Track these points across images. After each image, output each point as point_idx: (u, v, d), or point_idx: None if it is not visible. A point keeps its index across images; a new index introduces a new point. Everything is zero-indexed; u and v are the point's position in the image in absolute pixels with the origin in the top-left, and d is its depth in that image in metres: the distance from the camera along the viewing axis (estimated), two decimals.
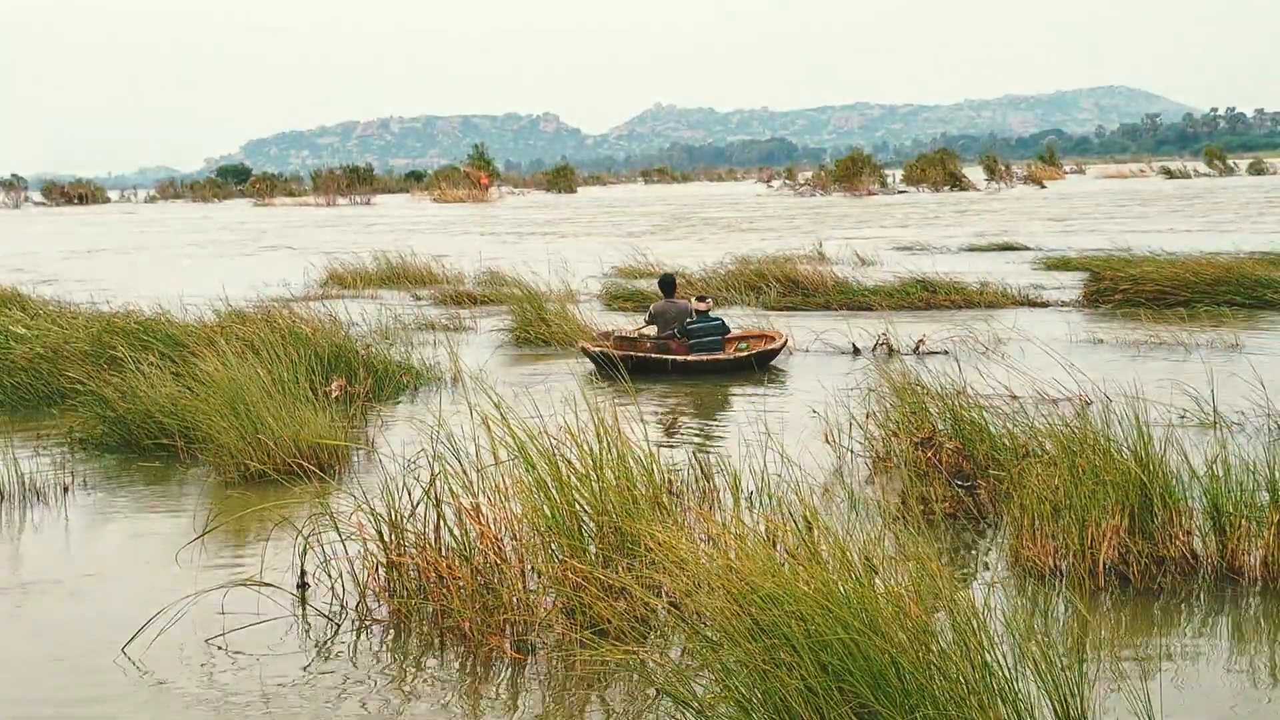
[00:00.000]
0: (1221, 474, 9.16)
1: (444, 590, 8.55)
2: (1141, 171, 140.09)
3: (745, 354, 18.78)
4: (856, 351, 19.69)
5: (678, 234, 54.53)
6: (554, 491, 8.67)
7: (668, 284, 19.94)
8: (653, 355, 18.60)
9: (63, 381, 15.93)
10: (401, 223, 72.84)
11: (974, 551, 9.87)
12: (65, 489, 12.35)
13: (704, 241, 47.93)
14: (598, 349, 18.78)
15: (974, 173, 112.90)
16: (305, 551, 9.17)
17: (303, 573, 9.15)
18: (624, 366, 16.31)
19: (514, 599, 8.35)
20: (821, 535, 7.27)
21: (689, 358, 18.64)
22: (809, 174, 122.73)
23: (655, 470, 9.38)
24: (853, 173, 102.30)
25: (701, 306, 19.46)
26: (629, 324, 21.73)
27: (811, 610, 6.19)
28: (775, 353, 19.19)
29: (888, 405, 12.25)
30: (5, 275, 33.87)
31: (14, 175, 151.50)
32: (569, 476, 8.79)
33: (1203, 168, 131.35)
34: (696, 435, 14.41)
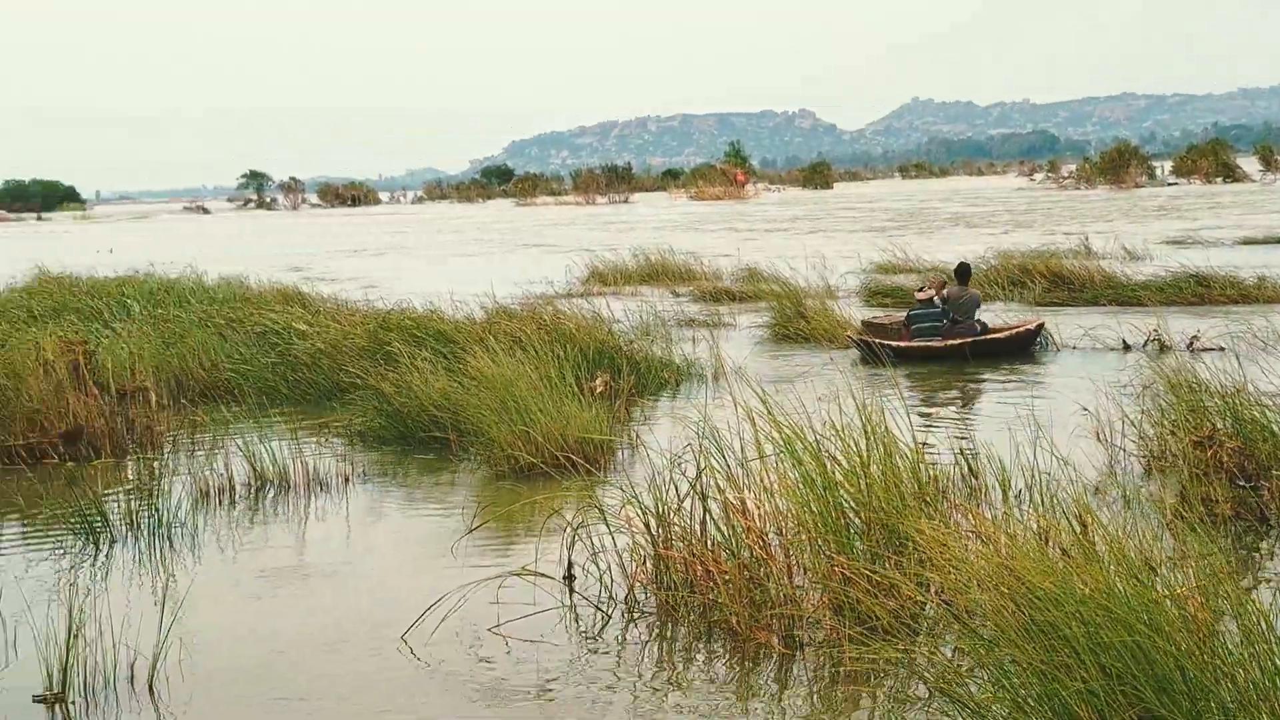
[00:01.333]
0: None
1: (711, 584, 8.59)
2: None
3: (958, 343, 19.26)
4: (1127, 348, 19.15)
5: (936, 229, 53.78)
6: (820, 488, 8.63)
7: (964, 271, 20.55)
8: (884, 342, 18.89)
9: (342, 376, 16.50)
10: (659, 220, 73.45)
11: (1259, 554, 9.50)
12: (346, 479, 12.81)
13: (964, 237, 47.17)
14: (858, 337, 19.92)
15: (1248, 164, 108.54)
16: (573, 543, 9.32)
17: (570, 564, 9.31)
18: (879, 351, 17.59)
19: (780, 594, 8.34)
20: (1097, 534, 7.08)
21: (911, 344, 19.51)
22: (1072, 167, 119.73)
23: (921, 467, 9.26)
24: (1119, 165, 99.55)
25: (922, 296, 20.09)
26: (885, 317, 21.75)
27: (1091, 611, 6.02)
28: (1031, 338, 19.63)
29: (1162, 402, 11.86)
30: (286, 274, 35.27)
31: (292, 178, 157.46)
32: (834, 473, 8.74)
33: None
34: (962, 431, 14.19)
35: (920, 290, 20.53)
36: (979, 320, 20.08)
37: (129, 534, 11.15)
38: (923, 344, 19.55)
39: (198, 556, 10.64)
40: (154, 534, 11.12)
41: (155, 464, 13.65)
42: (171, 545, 10.92)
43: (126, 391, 15.26)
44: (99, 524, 11.11)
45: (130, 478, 13.16)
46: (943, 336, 19.61)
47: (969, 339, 19.45)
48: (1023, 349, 19.55)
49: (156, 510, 11.35)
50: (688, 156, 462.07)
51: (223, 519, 11.75)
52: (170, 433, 15.04)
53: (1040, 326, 20.03)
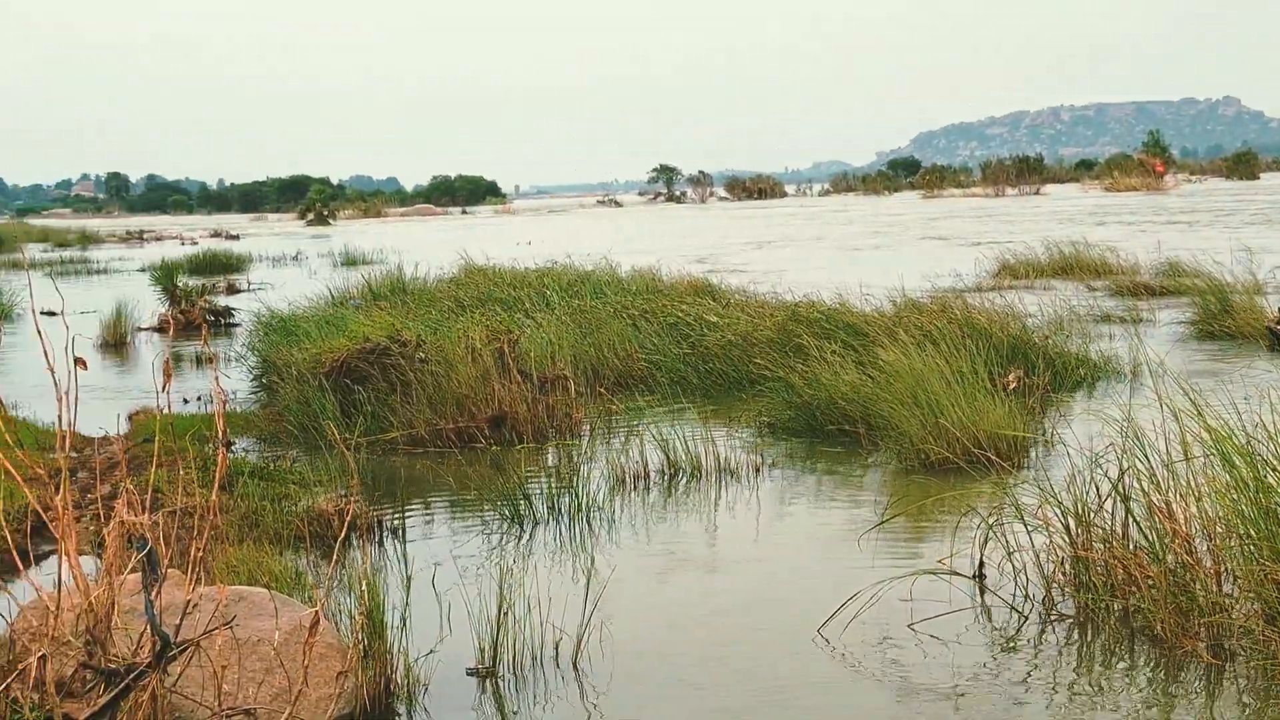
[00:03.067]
0: None
1: (1133, 588, 8.30)
2: None
3: None
4: None
5: None
6: (1253, 491, 8.21)
7: None
8: None
9: (751, 368, 16.70)
10: (1072, 211, 71.35)
11: None
12: (756, 470, 12.95)
13: None
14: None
15: None
16: (986, 541, 9.16)
17: (981, 563, 9.15)
18: None
19: (1209, 602, 7.98)
20: None
21: None
22: None
23: None
24: None
25: None
26: None
27: None
28: None
29: None
30: (695, 266, 35.93)
31: (700, 172, 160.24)
32: (1269, 476, 8.30)
33: None
34: None
35: None
36: None
37: (550, 517, 11.57)
38: None
39: (615, 540, 10.95)
40: (573, 518, 11.52)
41: (574, 450, 14.11)
42: (590, 529, 11.29)
43: (547, 380, 15.86)
44: (523, 506, 11.58)
45: (550, 463, 13.65)
46: None
47: None
48: None
49: (576, 495, 11.76)
50: (1102, 147, 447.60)
51: (638, 505, 12.06)
52: (587, 420, 15.54)
53: None
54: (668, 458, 13.02)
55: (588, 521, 11.43)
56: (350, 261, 50.03)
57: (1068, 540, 8.72)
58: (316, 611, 6.56)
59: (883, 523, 10.35)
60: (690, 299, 21.42)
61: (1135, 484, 8.72)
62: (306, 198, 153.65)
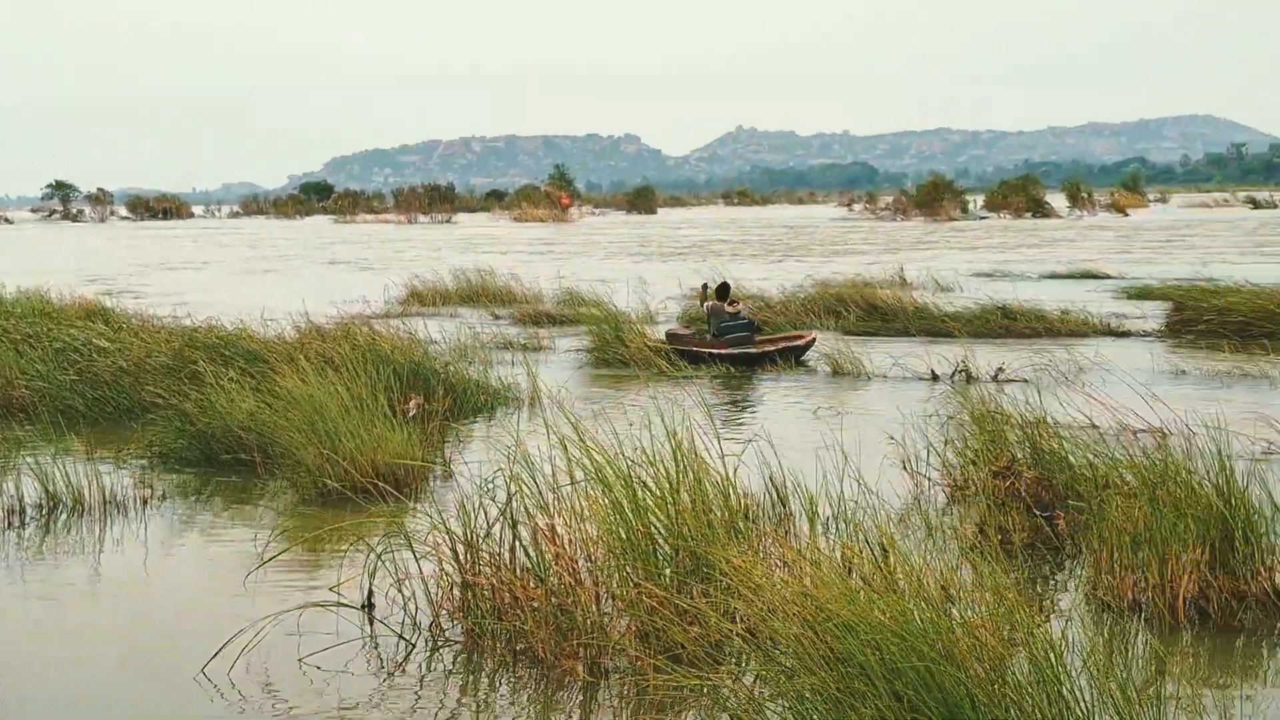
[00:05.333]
0: None
1: (518, 611, 8.54)
2: (1226, 201, 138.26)
3: (773, 350, 21.78)
4: (935, 378, 19.58)
5: (758, 256, 54.42)
6: (630, 514, 8.65)
7: (724, 290, 23.14)
8: (697, 349, 21.79)
9: (144, 395, 16.12)
10: (481, 241, 73.17)
11: (1052, 583, 9.75)
12: (145, 502, 12.48)
13: (784, 264, 47.83)
14: (670, 346, 21.98)
15: (1057, 200, 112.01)
16: (375, 571, 9.17)
17: (370, 592, 9.15)
18: (680, 356, 21.02)
19: (588, 622, 8.33)
20: (898, 563, 7.21)
21: (727, 351, 21.59)
22: (890, 199, 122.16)
23: (731, 494, 9.36)
24: (934, 198, 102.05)
25: (731, 309, 22.48)
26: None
27: (887, 639, 6.13)
28: (803, 349, 22.15)
29: (966, 433, 12.14)
30: (88, 287, 34.38)
31: (100, 189, 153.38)
32: (644, 499, 8.77)
33: None
34: (772, 459, 14.36)
35: (730, 303, 22.68)
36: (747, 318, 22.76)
37: None
38: (740, 350, 21.69)
39: None
40: None
41: None
42: None
43: None
44: None
45: None
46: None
47: (797, 343, 22.19)
48: (796, 356, 21.88)
49: None
50: (513, 178, 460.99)
51: (12, 543, 11.35)
52: None
53: (813, 340, 22.45)
54: (47, 490, 12.32)
55: None
56: None
57: (457, 566, 8.88)
58: None
59: (272, 557, 10.14)
60: (81, 322, 20.46)
61: (523, 509, 8.99)
62: None
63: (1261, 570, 8.87)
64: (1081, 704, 6.06)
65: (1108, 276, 38.61)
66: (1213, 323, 24.02)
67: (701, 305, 23.60)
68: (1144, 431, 12.17)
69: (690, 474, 9.01)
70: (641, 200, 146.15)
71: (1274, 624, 8.74)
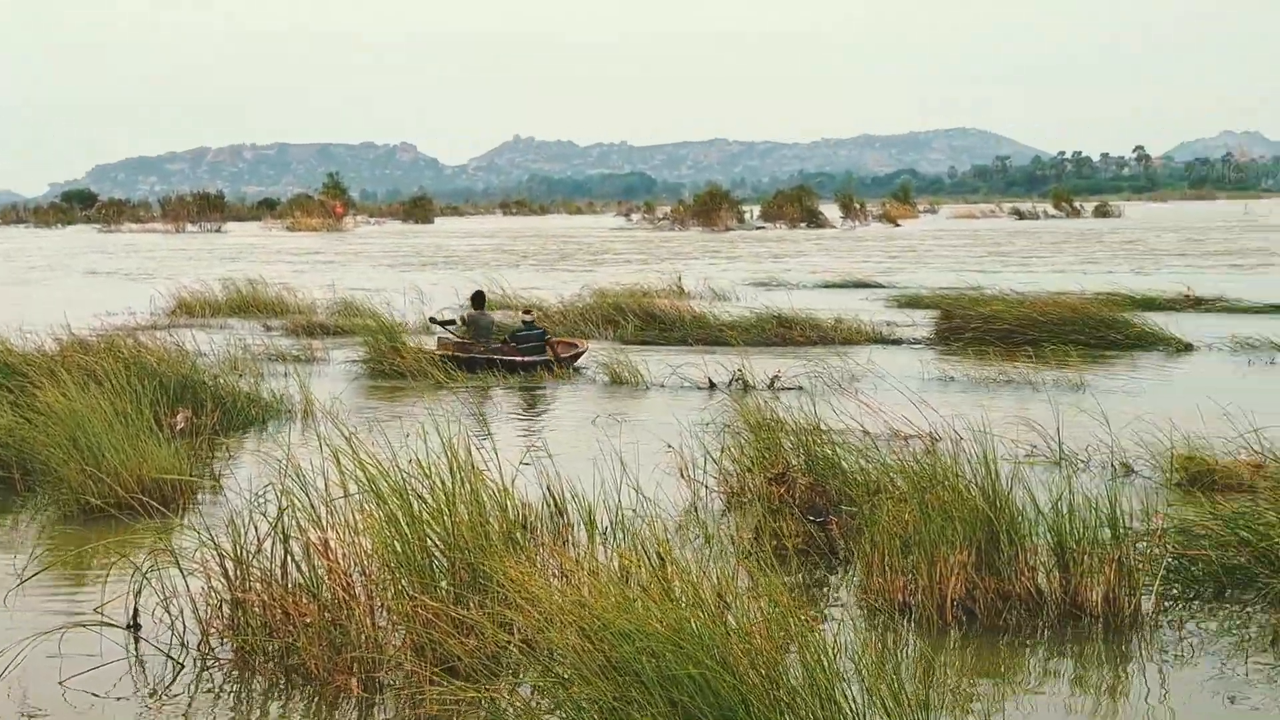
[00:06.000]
0: (1066, 511, 9.29)
1: (290, 628, 8.39)
2: (992, 211, 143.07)
3: (566, 356, 22.68)
4: (712, 386, 19.80)
5: (536, 265, 54.47)
6: (405, 527, 8.56)
7: (479, 298, 23.88)
8: (493, 356, 22.11)
9: None
10: (253, 250, 71.85)
11: (825, 587, 9.94)
12: None
13: (562, 273, 47.94)
14: (446, 353, 22.16)
15: (830, 210, 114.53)
16: (141, 589, 8.92)
17: (135, 612, 8.90)
18: (466, 366, 21.51)
19: (362, 636, 8.20)
20: (675, 571, 7.26)
21: (522, 359, 22.09)
22: (668, 208, 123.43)
23: (509, 505, 9.33)
24: (710, 208, 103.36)
25: (527, 318, 23.41)
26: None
27: (663, 647, 6.18)
28: (579, 356, 23.00)
29: (743, 440, 12.30)
30: None
31: None
32: (420, 511, 8.70)
33: (1051, 209, 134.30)
34: (551, 469, 14.37)
35: (525, 312, 23.81)
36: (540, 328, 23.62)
37: None
38: (536, 358, 22.22)
39: None
40: None
41: None
42: None
43: None
44: None
45: None
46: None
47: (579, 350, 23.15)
48: (569, 364, 22.55)
49: None
50: (286, 186, 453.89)
51: None
52: None
53: (586, 349, 23.40)
54: None
55: None
56: None
57: (226, 584, 8.68)
58: None
59: (31, 576, 9.81)
60: None
61: (295, 523, 8.83)
62: None
63: (1024, 571, 9.17)
64: (853, 706, 6.19)
65: (879, 285, 39.56)
66: (979, 330, 24.76)
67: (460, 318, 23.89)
68: (914, 437, 12.50)
69: (467, 485, 8.96)
70: (418, 209, 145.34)
71: (1036, 623, 9.05)
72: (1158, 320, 25.73)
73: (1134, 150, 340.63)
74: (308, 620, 8.31)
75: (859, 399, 14.18)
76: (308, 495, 9.03)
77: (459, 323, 23.53)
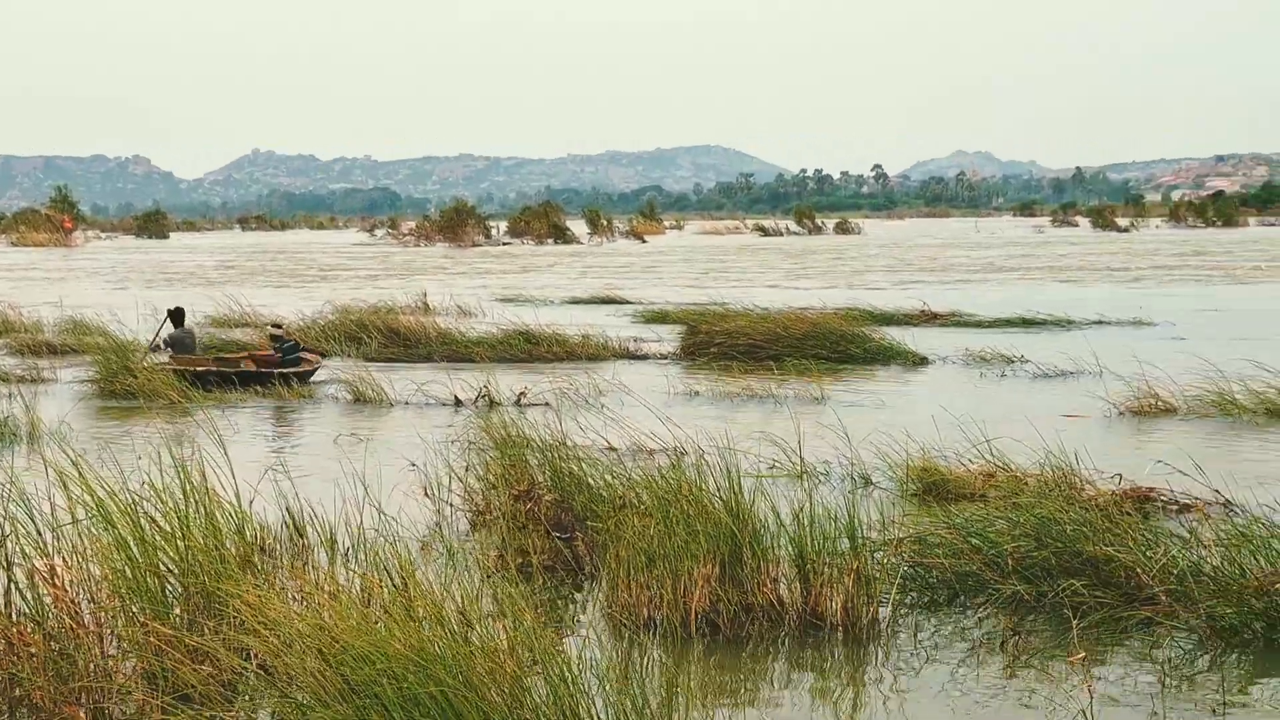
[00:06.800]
0: (807, 522, 9.51)
1: (14, 658, 8.07)
2: (737, 228, 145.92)
3: (314, 367, 23.29)
4: (458, 403, 19.74)
5: (276, 282, 53.56)
6: (136, 551, 8.33)
7: (179, 315, 23.66)
8: (261, 370, 22.33)
9: None
10: None
11: (571, 603, 9.97)
12: None
13: (303, 290, 47.23)
14: (202, 368, 22.21)
15: (577, 226, 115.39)
16: None
17: None
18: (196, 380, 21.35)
19: (91, 665, 7.95)
20: (417, 592, 7.21)
21: (292, 370, 22.42)
22: (413, 224, 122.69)
23: (247, 528, 9.16)
24: (456, 223, 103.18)
25: (278, 332, 23.57)
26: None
27: (405, 668, 6.14)
28: (314, 370, 23.34)
29: (488, 458, 12.28)
30: None
31: None
32: (153, 535, 8.47)
33: (794, 225, 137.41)
34: (291, 490, 14.13)
35: (275, 325, 24.35)
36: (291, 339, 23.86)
37: None
38: (296, 369, 22.66)
39: None
40: None
41: None
42: None
43: None
44: None
45: None
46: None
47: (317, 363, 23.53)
48: (304, 379, 22.70)
49: None
50: (11, 200, 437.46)
51: None
52: None
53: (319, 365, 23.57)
54: None
55: None
56: None
57: None
58: None
59: None
60: None
61: (18, 550, 8.52)
62: None
63: (766, 582, 9.35)
64: None
65: (626, 301, 39.94)
66: (724, 345, 25.18)
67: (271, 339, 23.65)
68: (659, 451, 12.66)
69: (202, 508, 8.76)
70: (152, 224, 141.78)
71: (777, 633, 9.23)
72: (895, 334, 26.58)
73: (872, 169, 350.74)
74: (32, 650, 8.01)
75: (605, 414, 14.30)
76: (33, 520, 8.73)
77: (161, 346, 23.18)
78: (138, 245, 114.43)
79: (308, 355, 23.58)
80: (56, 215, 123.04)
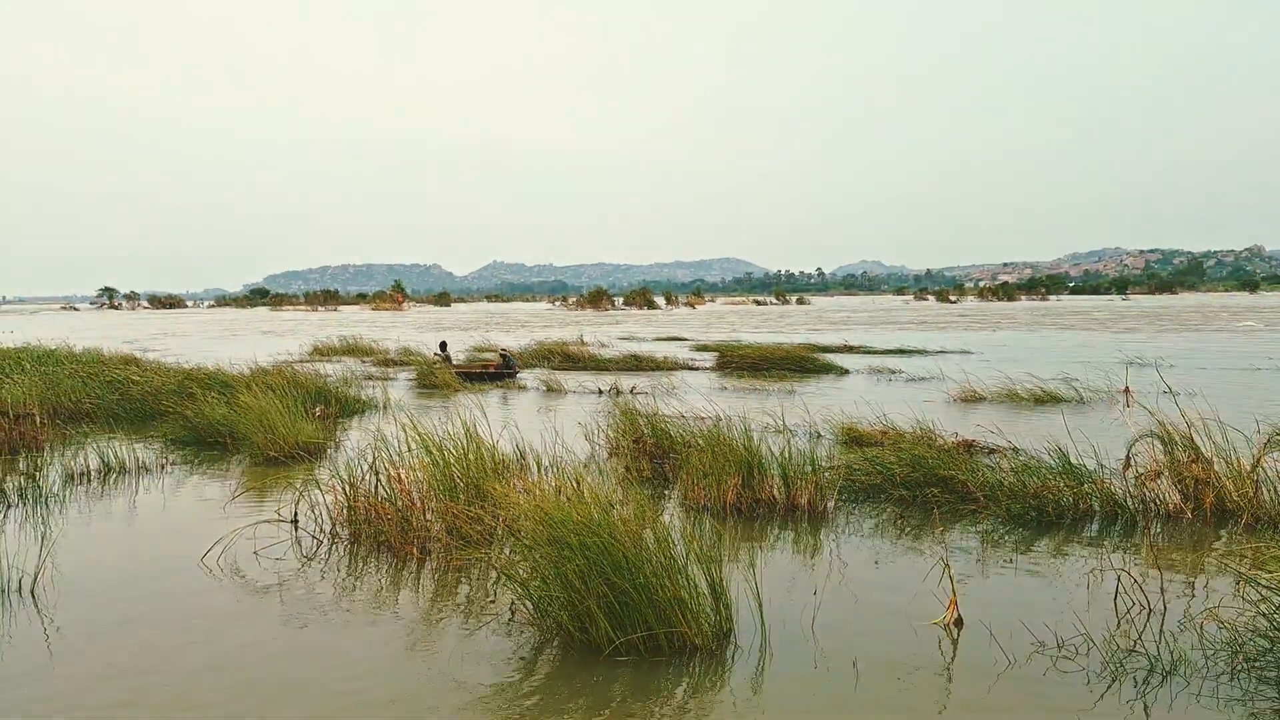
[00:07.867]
0: (787, 456, 9.45)
1: (380, 520, 8.24)
2: (744, 301, 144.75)
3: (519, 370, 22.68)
4: (601, 392, 19.74)
5: (502, 328, 53.79)
6: (440, 466, 8.46)
7: (444, 345, 23.58)
8: (492, 370, 22.01)
9: (161, 406, 14.86)
10: (375, 318, 69.98)
11: (663, 497, 9.96)
12: (162, 467, 11.49)
13: (514, 333, 47.45)
14: (464, 371, 22.00)
15: (659, 300, 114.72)
16: (299, 502, 8.74)
17: (295, 513, 8.69)
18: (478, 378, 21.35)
19: (418, 524, 8.10)
20: (585, 488, 7.28)
21: (509, 372, 21.86)
22: (574, 298, 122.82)
23: (495, 454, 9.26)
24: (597, 298, 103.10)
25: (505, 352, 23.28)
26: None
27: (580, 528, 6.18)
28: (510, 374, 22.07)
29: (617, 419, 12.32)
30: (124, 346, 31.40)
31: (131, 291, 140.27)
32: (448, 458, 8.60)
33: (775, 300, 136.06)
34: (520, 435, 14.28)
35: (505, 351, 23.64)
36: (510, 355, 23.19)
37: (20, 500, 9.62)
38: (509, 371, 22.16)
39: (64, 514, 9.29)
40: (35, 500, 9.65)
41: (38, 459, 11.83)
42: (48, 506, 9.49)
43: (20, 414, 13.24)
44: None
45: (21, 468, 11.34)
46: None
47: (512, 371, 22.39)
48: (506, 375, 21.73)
49: (37, 485, 9.86)
50: (371, 286, 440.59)
51: (82, 491, 10.29)
52: (48, 440, 13.07)
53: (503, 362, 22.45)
54: (103, 461, 11.20)
55: (45, 502, 9.60)
56: None
57: (345, 497, 8.49)
58: None
59: (238, 494, 9.52)
60: (120, 365, 18.74)
61: (381, 465, 8.68)
62: None
63: (765, 488, 9.29)
64: (680, 558, 6.24)
65: (685, 339, 39.72)
66: (740, 362, 24.99)
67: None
68: (707, 418, 12.59)
69: (473, 443, 8.87)
70: (442, 300, 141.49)
71: (772, 515, 9.14)
72: (831, 358, 26.20)
73: (815, 269, 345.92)
74: (389, 517, 8.18)
75: (677, 398, 14.23)
76: (387, 450, 8.90)
77: (438, 360, 22.86)
78: (434, 310, 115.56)
79: (517, 366, 23.37)
80: (395, 294, 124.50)
